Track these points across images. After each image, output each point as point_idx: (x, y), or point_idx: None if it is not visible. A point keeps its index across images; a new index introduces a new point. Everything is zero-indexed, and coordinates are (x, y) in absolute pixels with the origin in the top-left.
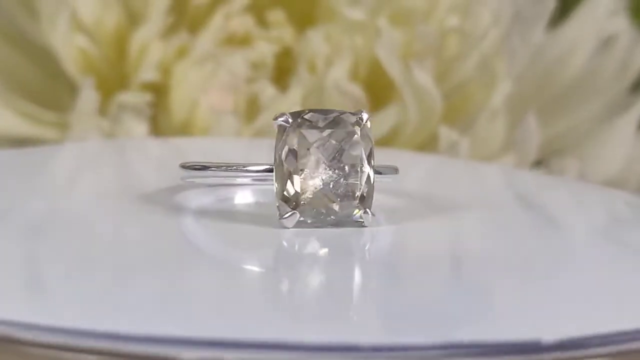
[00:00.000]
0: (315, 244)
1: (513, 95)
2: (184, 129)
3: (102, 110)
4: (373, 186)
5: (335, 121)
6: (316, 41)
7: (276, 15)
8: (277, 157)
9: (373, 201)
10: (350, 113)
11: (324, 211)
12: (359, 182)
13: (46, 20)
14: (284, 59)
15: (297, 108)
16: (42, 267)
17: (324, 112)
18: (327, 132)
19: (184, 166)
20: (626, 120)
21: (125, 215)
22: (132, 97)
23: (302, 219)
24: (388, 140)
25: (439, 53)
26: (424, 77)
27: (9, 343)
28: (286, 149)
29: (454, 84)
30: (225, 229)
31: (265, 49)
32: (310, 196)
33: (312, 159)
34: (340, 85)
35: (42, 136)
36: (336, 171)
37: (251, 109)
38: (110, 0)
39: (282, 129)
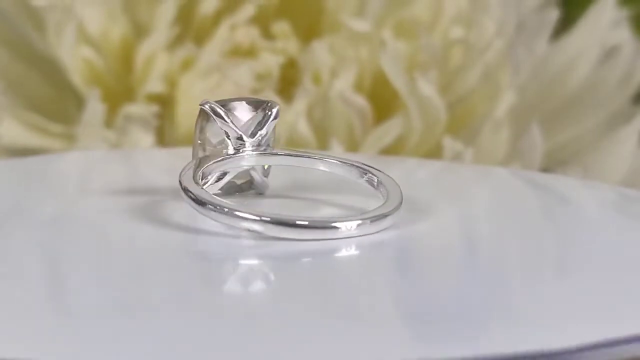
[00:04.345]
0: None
1: (517, 105)
2: (190, 140)
3: (109, 121)
4: None
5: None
6: (321, 52)
7: (281, 27)
8: None
9: None
10: None
11: None
12: None
13: (52, 32)
14: (289, 70)
15: (302, 119)
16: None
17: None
18: None
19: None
20: (629, 131)
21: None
22: (138, 108)
23: None
24: (392, 151)
25: (443, 64)
26: (428, 88)
27: None
28: None
29: (458, 94)
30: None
31: (270, 61)
32: None
33: None
34: (344, 96)
35: (49, 147)
36: None
37: None
38: (116, 12)
39: None
